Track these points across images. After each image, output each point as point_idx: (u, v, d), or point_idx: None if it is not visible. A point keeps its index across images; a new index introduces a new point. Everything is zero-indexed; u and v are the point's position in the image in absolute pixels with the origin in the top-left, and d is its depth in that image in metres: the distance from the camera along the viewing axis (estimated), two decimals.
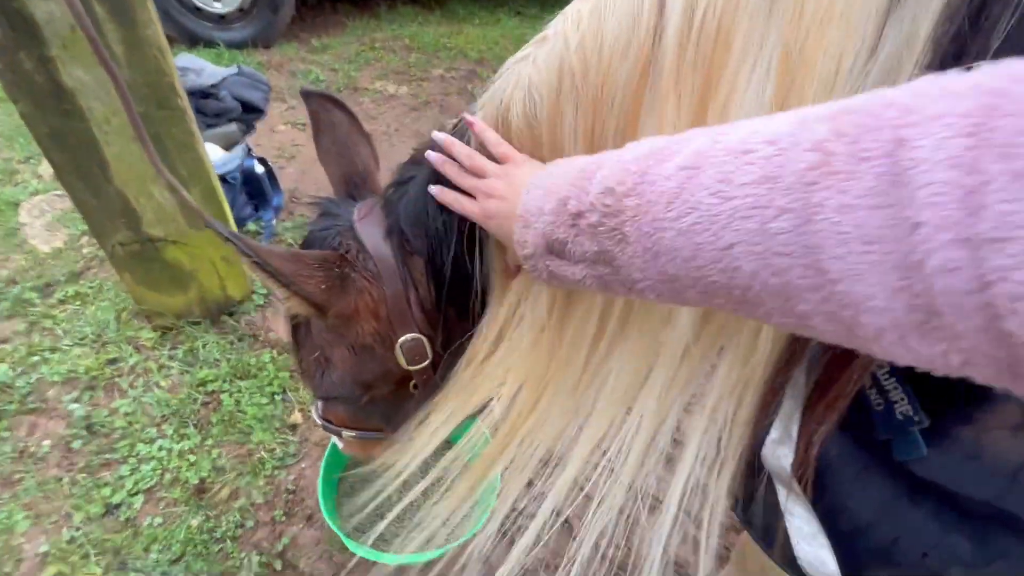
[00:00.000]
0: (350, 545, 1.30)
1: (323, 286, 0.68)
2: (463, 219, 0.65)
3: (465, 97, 3.59)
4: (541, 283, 0.56)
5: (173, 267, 1.70)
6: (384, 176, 0.83)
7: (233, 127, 2.13)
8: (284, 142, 2.92)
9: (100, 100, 1.31)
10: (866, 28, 0.41)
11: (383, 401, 0.84)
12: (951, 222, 0.24)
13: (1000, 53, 0.37)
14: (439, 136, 0.66)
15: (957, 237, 0.24)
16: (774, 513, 0.62)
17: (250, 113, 2.25)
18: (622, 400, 0.65)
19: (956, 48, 0.39)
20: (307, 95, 0.82)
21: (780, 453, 0.59)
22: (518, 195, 0.54)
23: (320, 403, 0.98)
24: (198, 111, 2.03)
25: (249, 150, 2.26)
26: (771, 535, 0.64)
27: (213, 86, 2.10)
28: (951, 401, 0.47)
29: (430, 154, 0.66)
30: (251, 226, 2.26)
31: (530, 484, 1.60)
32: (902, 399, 0.48)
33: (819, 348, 0.52)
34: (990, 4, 0.37)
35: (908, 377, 0.48)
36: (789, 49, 0.44)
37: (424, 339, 0.74)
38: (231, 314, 1.95)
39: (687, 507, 0.70)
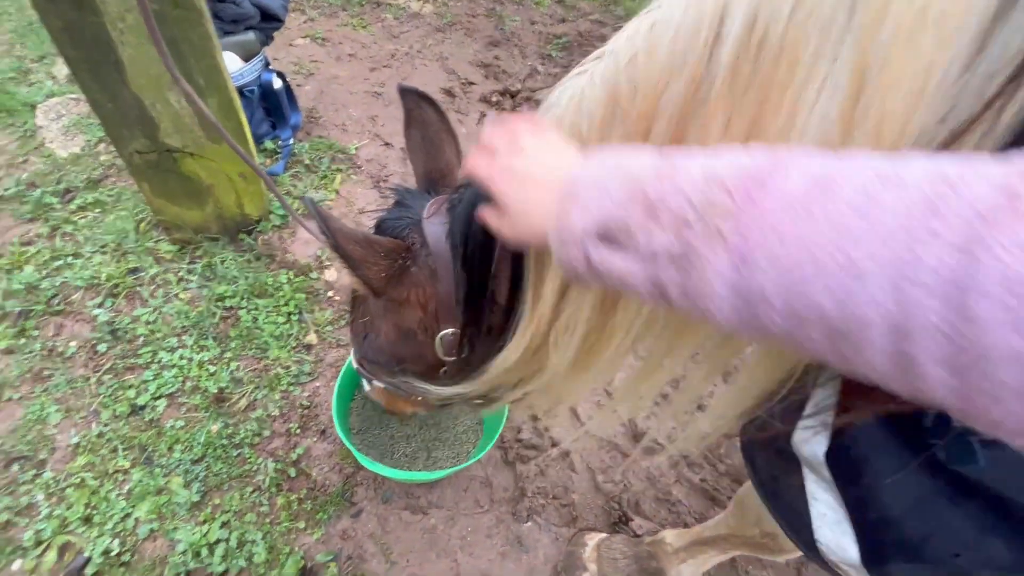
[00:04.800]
0: (361, 460, 1.37)
1: (383, 274, 0.74)
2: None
3: (493, 20, 3.37)
4: (566, 272, 0.47)
5: (191, 180, 1.68)
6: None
7: (251, 36, 2.03)
8: (302, 57, 2.79)
9: None
10: (963, 39, 0.36)
11: (413, 373, 0.92)
12: None
13: None
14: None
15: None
16: (798, 496, 0.63)
17: (269, 22, 2.14)
18: (640, 377, 0.69)
19: None
20: (404, 92, 0.86)
21: (812, 440, 0.58)
22: (547, 161, 0.49)
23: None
24: (215, 16, 1.93)
25: (267, 63, 2.17)
26: (793, 518, 0.65)
27: None
28: None
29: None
30: (268, 144, 2.21)
31: (535, 419, 1.63)
32: None
33: None
34: None
35: None
36: (866, 64, 0.40)
37: (462, 335, 0.79)
38: (248, 232, 1.95)
39: (681, 448, 0.74)
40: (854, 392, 0.54)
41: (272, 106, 2.18)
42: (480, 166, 0.56)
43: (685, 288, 0.37)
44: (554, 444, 1.68)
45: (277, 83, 2.14)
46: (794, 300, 0.31)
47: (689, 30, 0.48)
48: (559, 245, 0.45)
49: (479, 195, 0.70)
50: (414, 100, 0.87)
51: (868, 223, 0.29)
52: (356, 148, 2.38)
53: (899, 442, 0.54)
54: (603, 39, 3.10)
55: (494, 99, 2.76)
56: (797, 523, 0.66)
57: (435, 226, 0.76)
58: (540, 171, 0.50)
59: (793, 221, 0.31)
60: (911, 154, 0.32)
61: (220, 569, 1.33)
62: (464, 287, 0.75)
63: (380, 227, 0.83)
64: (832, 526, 0.61)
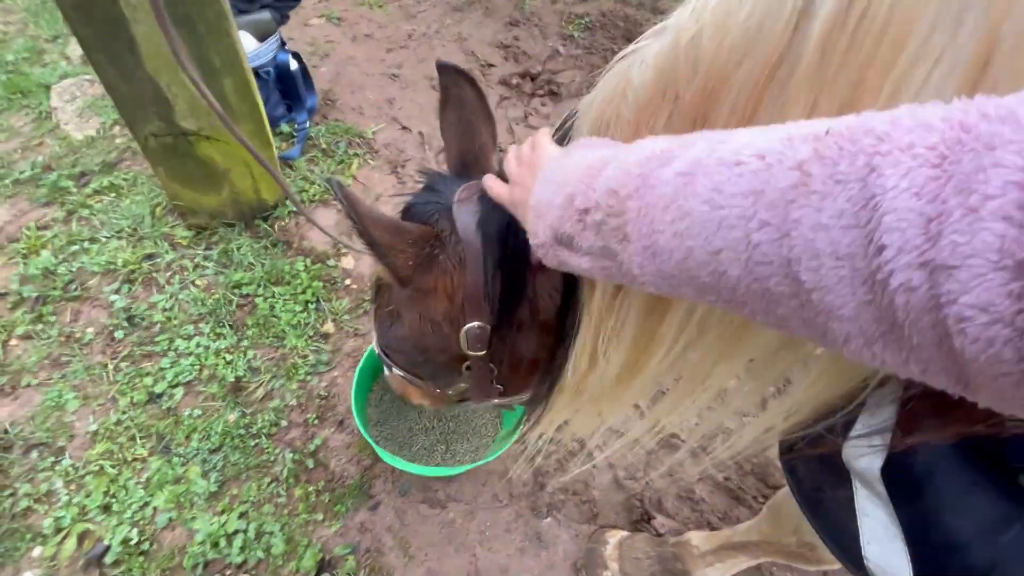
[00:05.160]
0: (381, 454, 1.34)
1: (411, 262, 0.71)
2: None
3: None
4: (551, 267, 0.58)
5: (206, 164, 1.64)
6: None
7: (267, 15, 1.97)
8: (317, 37, 2.73)
9: None
10: None
11: (436, 365, 0.89)
12: (912, 246, 0.26)
13: None
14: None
15: (917, 261, 0.25)
16: (845, 510, 0.60)
17: (284, 0, 2.08)
18: (686, 392, 0.67)
19: None
20: (442, 68, 0.82)
21: (866, 453, 0.55)
22: (533, 181, 0.56)
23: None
24: None
25: (283, 43, 2.11)
26: (839, 532, 0.62)
27: None
28: None
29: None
30: (284, 127, 2.17)
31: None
32: None
33: None
34: None
35: None
36: (995, 39, 0.34)
37: (490, 329, 0.75)
38: (265, 218, 1.91)
39: (705, 445, 0.71)
40: (924, 413, 0.49)
41: (288, 88, 2.13)
42: (498, 194, 0.66)
43: (622, 272, 0.45)
44: (575, 439, 1.64)
45: (293, 64, 2.08)
46: (691, 279, 0.38)
47: (771, 0, 0.42)
48: (539, 251, 0.55)
49: None
50: (452, 77, 0.82)
51: (718, 214, 0.35)
52: (373, 132, 2.32)
53: (969, 464, 0.50)
54: (627, 19, 2.95)
55: (514, 82, 2.68)
56: (843, 538, 0.63)
57: (466, 213, 0.72)
58: (526, 196, 0.58)
59: (671, 218, 0.38)
60: (764, 132, 0.36)
61: (238, 560, 1.32)
62: (499, 282, 0.71)
63: (408, 212, 0.80)
64: (883, 544, 0.58)
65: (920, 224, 0.25)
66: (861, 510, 0.59)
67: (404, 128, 2.38)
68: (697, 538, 1.29)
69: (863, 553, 0.59)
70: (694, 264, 0.37)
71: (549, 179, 0.53)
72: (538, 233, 0.53)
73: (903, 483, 0.54)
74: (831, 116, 0.42)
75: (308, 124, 2.18)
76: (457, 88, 0.82)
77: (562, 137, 0.65)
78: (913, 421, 0.51)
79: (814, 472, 0.69)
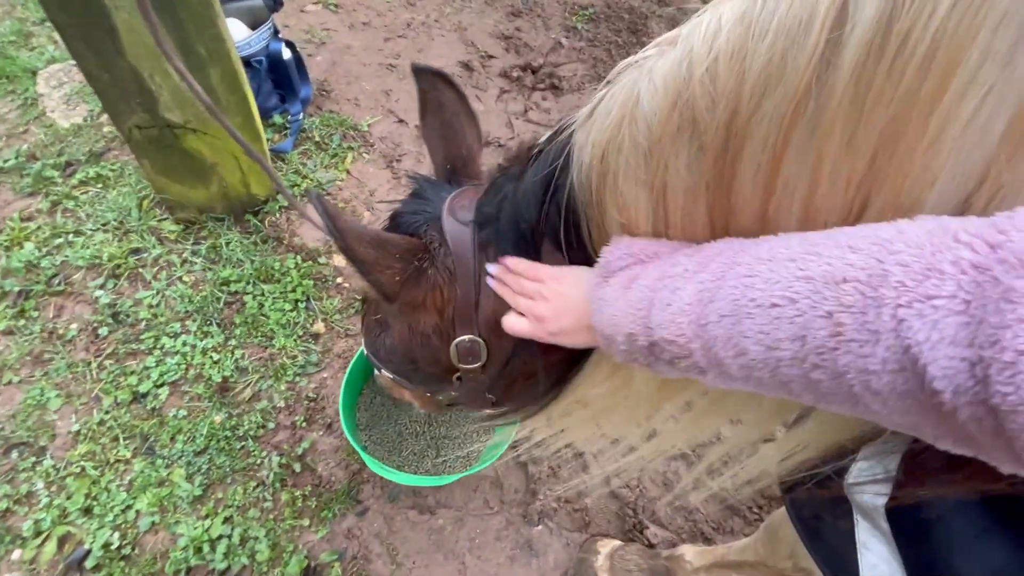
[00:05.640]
0: (368, 462, 1.31)
1: (397, 278, 0.68)
2: None
3: None
4: None
5: (193, 157, 1.59)
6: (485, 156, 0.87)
7: (259, 1, 1.90)
8: (313, 24, 2.65)
9: None
10: None
11: (426, 374, 0.87)
12: (966, 388, 0.28)
13: None
14: (491, 268, 0.68)
15: (976, 400, 0.28)
16: (845, 542, 0.58)
17: None
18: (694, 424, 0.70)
19: None
20: (418, 71, 0.80)
21: (871, 488, 0.54)
22: (577, 310, 0.59)
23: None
24: None
25: (276, 31, 2.04)
26: (837, 563, 0.61)
27: None
28: None
29: (490, 267, 0.68)
30: (277, 119, 2.11)
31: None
32: None
33: None
34: None
35: None
36: None
37: (482, 343, 0.74)
38: (255, 213, 1.86)
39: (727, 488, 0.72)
40: (937, 466, 0.47)
41: (281, 78, 2.06)
42: (528, 333, 0.65)
43: (701, 380, 0.48)
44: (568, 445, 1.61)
45: (286, 53, 2.02)
46: (774, 393, 0.42)
47: (794, 28, 0.38)
48: (623, 364, 0.58)
49: (519, 209, 0.65)
50: (430, 80, 0.80)
51: (774, 355, 0.38)
52: (368, 124, 2.26)
53: (980, 508, 0.49)
54: (632, 11, 2.86)
55: (515, 74, 2.61)
56: (842, 568, 0.62)
57: (457, 224, 0.70)
58: (571, 324, 0.61)
59: (732, 354, 0.42)
60: (785, 265, 0.39)
61: (222, 566, 1.29)
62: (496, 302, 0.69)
63: (395, 222, 0.78)
64: None
65: (965, 369, 0.28)
66: (862, 543, 0.57)
67: (400, 121, 2.32)
68: (691, 553, 1.26)
69: None
70: (770, 388, 0.41)
71: (601, 313, 0.56)
72: (615, 354, 0.56)
73: (909, 522, 0.53)
74: (870, 147, 0.39)
75: (301, 115, 2.12)
76: (436, 91, 0.79)
77: (559, 150, 0.61)
78: (925, 472, 0.49)
79: (814, 499, 0.67)
